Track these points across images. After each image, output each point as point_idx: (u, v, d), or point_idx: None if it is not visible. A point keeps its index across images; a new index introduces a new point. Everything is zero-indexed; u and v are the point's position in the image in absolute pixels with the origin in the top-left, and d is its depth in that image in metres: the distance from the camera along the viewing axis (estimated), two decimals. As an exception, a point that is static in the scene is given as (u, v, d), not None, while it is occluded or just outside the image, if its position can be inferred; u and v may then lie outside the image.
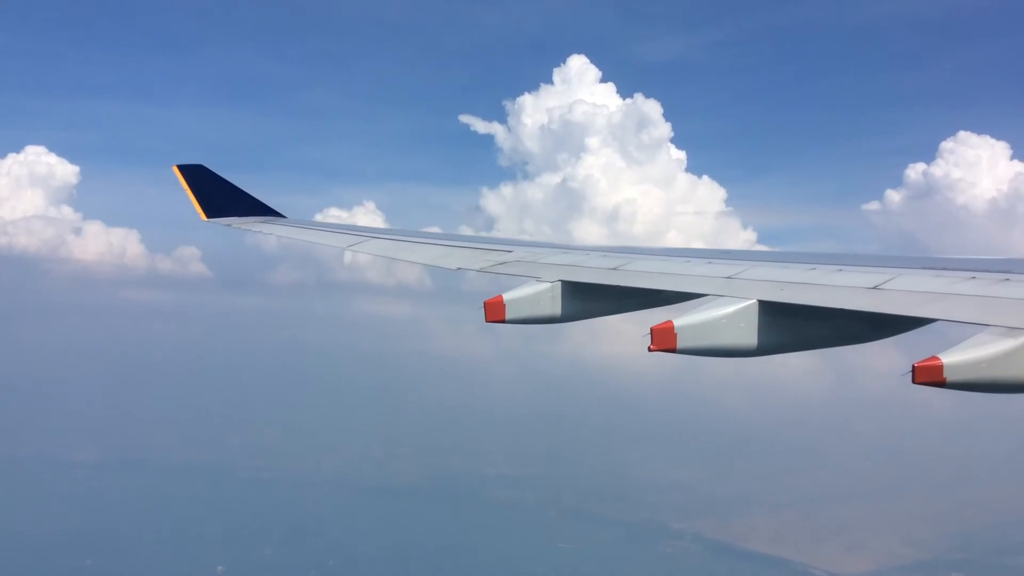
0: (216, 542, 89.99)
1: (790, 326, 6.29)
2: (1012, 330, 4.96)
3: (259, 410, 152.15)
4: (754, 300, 6.26)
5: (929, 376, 4.82)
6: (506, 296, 7.55)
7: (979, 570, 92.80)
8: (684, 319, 6.14)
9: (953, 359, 4.84)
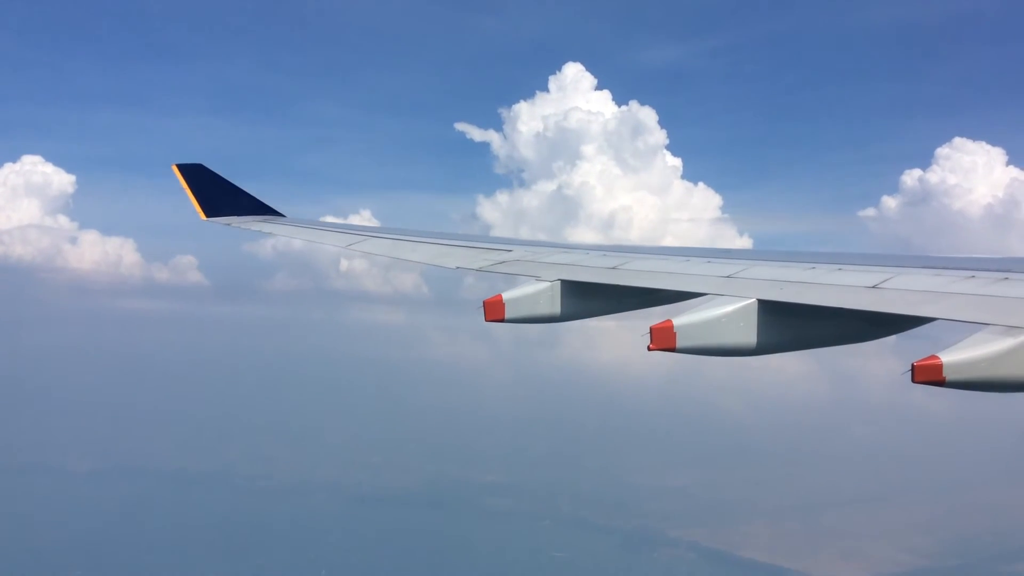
0: (210, 550, 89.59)
1: (789, 325, 6.29)
2: (1011, 329, 4.96)
3: (255, 417, 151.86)
4: (753, 299, 6.26)
5: (928, 375, 4.82)
6: (505, 295, 7.55)
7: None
8: (683, 318, 6.14)
9: (952, 358, 4.84)
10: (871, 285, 6.19)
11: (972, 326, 5.18)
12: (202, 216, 13.85)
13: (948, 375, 4.82)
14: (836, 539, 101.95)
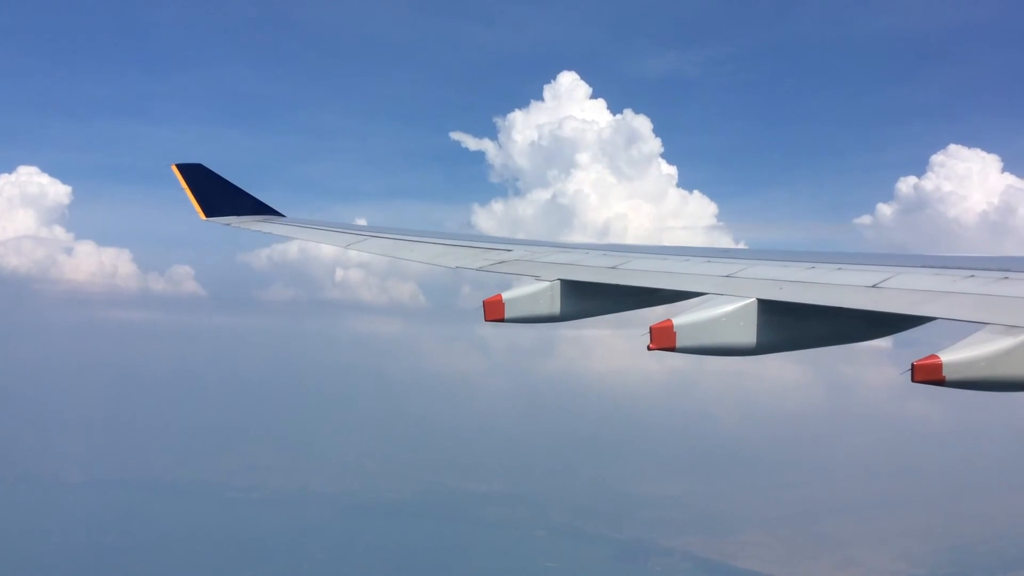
0: (203, 561, 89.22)
1: (789, 325, 6.28)
2: (1011, 328, 4.95)
3: (250, 428, 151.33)
4: (753, 299, 6.25)
5: (928, 374, 4.82)
6: (505, 295, 7.53)
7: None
8: (683, 318, 6.13)
9: (952, 357, 4.84)
10: (871, 285, 6.18)
11: (972, 325, 5.17)
12: (202, 216, 13.79)
13: (948, 374, 4.81)
14: (831, 548, 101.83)
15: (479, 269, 8.77)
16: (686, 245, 8.90)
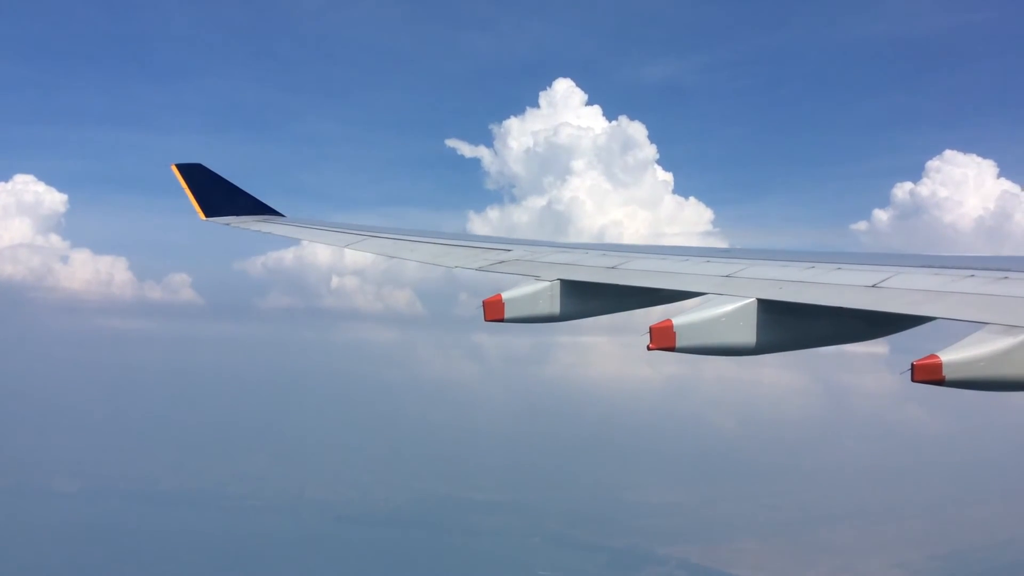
0: (197, 571, 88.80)
1: (789, 324, 6.28)
2: (1010, 328, 4.96)
3: (246, 435, 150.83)
4: (753, 299, 6.25)
5: (928, 374, 4.82)
6: (505, 295, 7.52)
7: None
8: (683, 318, 6.13)
9: (952, 357, 4.84)
10: (870, 284, 6.18)
11: (972, 325, 5.17)
12: (201, 216, 13.76)
13: (948, 374, 4.82)
14: (827, 555, 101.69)
15: (479, 269, 8.76)
16: (686, 245, 8.90)
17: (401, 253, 10.05)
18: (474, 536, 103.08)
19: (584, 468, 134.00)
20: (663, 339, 5.98)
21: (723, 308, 6.21)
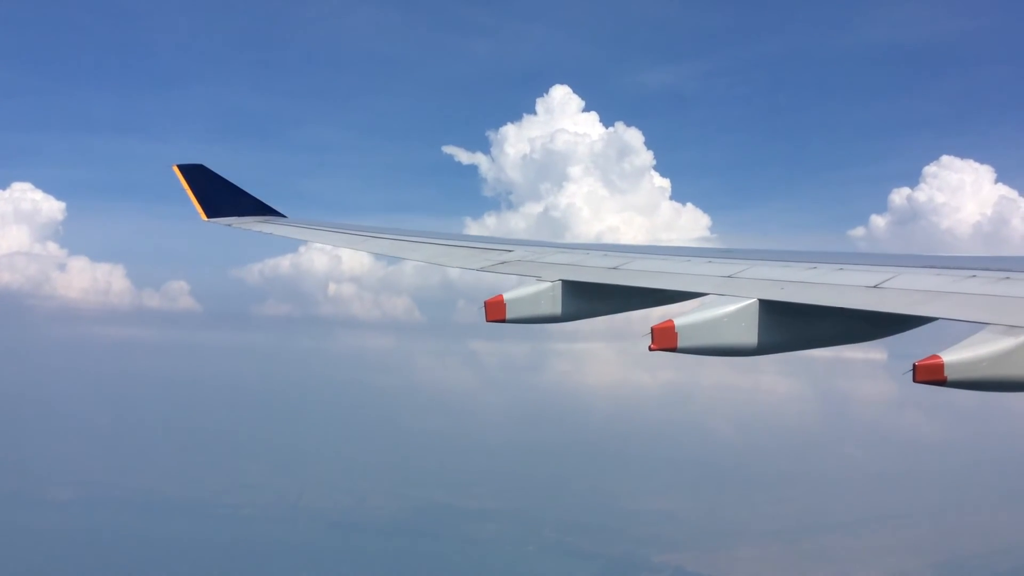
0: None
1: (791, 325, 6.28)
2: (1012, 328, 4.96)
3: (242, 443, 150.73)
4: (755, 299, 6.25)
5: (930, 375, 4.82)
6: (507, 296, 7.50)
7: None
8: (685, 318, 6.13)
9: (954, 357, 4.84)
10: (872, 285, 6.17)
11: (973, 326, 5.18)
12: (203, 216, 13.77)
13: (950, 375, 4.82)
14: (824, 563, 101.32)
15: (480, 269, 8.75)
16: (687, 246, 8.89)
17: (403, 253, 10.06)
18: (469, 544, 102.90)
19: (580, 475, 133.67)
20: (665, 340, 5.98)
21: (725, 308, 6.21)
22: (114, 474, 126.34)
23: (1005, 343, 4.87)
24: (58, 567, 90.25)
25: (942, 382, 4.85)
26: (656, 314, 7.34)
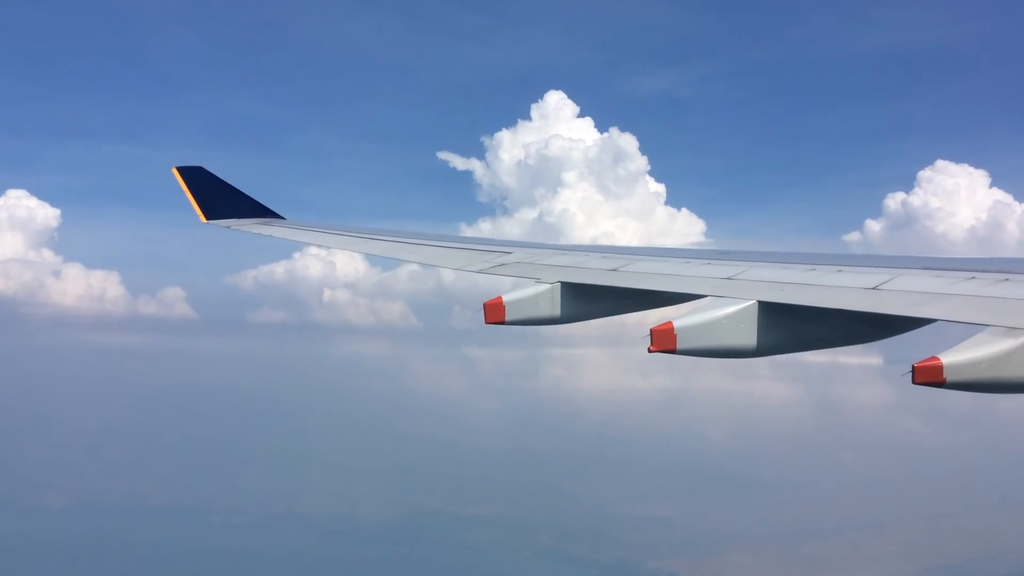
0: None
1: (790, 326, 6.28)
2: (1011, 330, 4.96)
3: (236, 451, 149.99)
4: (754, 301, 6.25)
5: (929, 376, 4.82)
6: (506, 297, 7.48)
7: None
8: (684, 320, 6.13)
9: (953, 359, 4.84)
10: (871, 287, 6.18)
11: (972, 327, 5.18)
12: (202, 218, 13.77)
13: (948, 376, 4.81)
14: (819, 569, 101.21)
15: (479, 271, 8.75)
16: (687, 248, 8.91)
17: (402, 254, 10.07)
18: (463, 551, 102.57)
19: (576, 481, 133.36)
20: (664, 341, 5.97)
21: (724, 310, 6.20)
22: (108, 481, 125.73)
23: (1004, 345, 4.86)
24: (51, 573, 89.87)
25: (941, 384, 4.85)
26: (655, 316, 7.35)
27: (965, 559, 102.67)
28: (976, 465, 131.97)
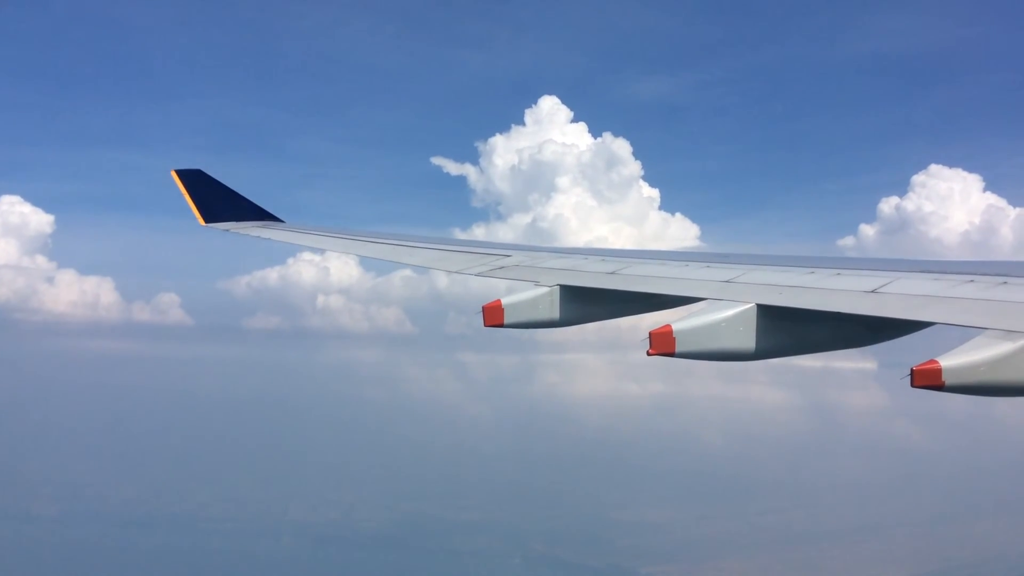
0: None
1: (788, 329, 6.29)
2: (1010, 333, 4.96)
3: (229, 458, 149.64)
4: (752, 304, 6.26)
5: (928, 379, 4.82)
6: (505, 300, 7.48)
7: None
8: (683, 323, 6.13)
9: (952, 362, 4.84)
10: (870, 290, 6.19)
11: (971, 330, 5.18)
12: (201, 222, 13.73)
13: (947, 379, 4.82)
14: (812, 573, 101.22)
15: (478, 274, 8.76)
16: (685, 250, 8.92)
17: (401, 258, 10.08)
18: (456, 556, 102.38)
19: (569, 486, 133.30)
20: (663, 344, 5.98)
21: (723, 313, 6.21)
22: (101, 487, 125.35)
23: (1003, 348, 4.86)
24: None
25: (940, 387, 4.85)
26: (654, 319, 7.35)
27: (961, 563, 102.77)
28: (972, 469, 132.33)
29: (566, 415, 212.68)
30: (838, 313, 6.06)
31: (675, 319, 6.23)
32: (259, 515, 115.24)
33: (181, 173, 14.13)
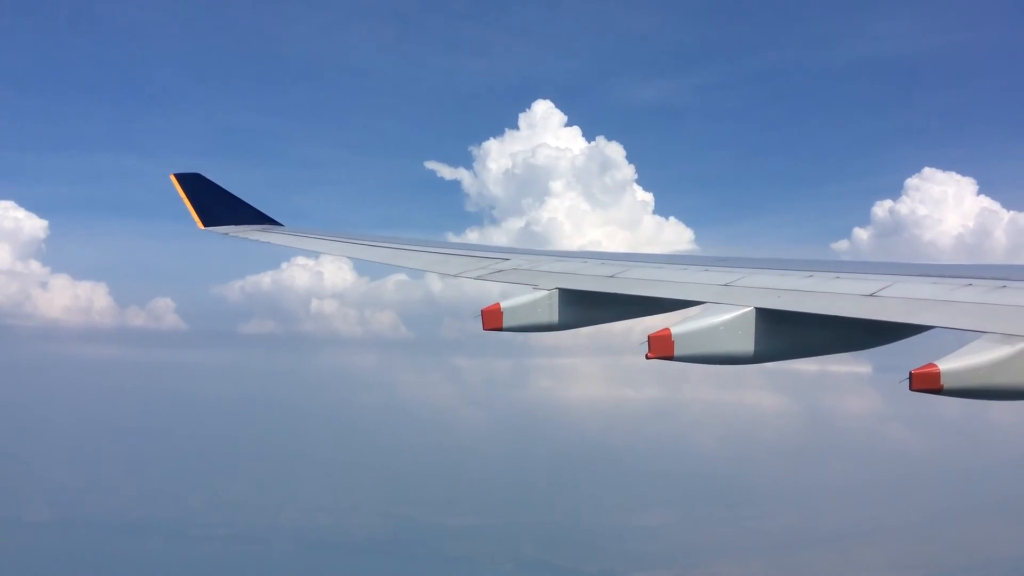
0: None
1: (787, 333, 6.29)
2: (1009, 337, 4.95)
3: (220, 463, 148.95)
4: (751, 307, 6.26)
5: (926, 383, 4.81)
6: (504, 304, 7.47)
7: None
8: (681, 326, 6.13)
9: (950, 366, 4.83)
10: (868, 293, 6.18)
11: (970, 334, 5.17)
12: (200, 225, 13.72)
13: (946, 383, 4.81)
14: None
15: (477, 277, 8.74)
16: (684, 254, 8.92)
17: (400, 261, 10.06)
18: (448, 561, 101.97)
19: (562, 491, 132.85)
20: (661, 348, 5.97)
21: (721, 317, 6.21)
22: (93, 493, 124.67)
23: (1002, 351, 4.85)
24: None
25: (938, 390, 4.85)
26: (653, 323, 7.36)
27: (956, 567, 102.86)
28: (967, 473, 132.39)
29: (559, 419, 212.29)
30: (837, 316, 6.05)
31: (674, 323, 6.23)
32: (251, 521, 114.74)
33: (180, 177, 14.11)
